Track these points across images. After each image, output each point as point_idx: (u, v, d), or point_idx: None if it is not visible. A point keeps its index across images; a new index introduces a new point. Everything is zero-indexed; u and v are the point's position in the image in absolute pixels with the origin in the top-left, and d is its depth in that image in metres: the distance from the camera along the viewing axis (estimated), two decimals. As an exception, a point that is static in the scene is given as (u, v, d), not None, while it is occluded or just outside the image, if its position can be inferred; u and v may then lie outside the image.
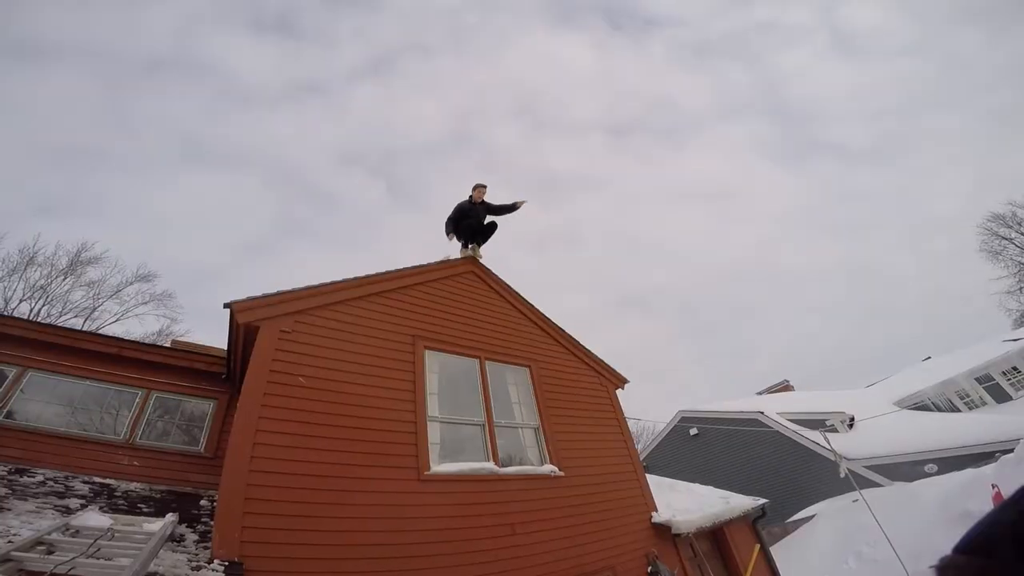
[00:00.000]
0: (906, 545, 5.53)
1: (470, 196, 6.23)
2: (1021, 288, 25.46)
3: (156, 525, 2.75)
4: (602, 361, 7.17)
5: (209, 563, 2.97)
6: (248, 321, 4.17)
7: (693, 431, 17.02)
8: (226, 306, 4.15)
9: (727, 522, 7.04)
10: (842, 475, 8.30)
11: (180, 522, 3.54)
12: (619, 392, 7.26)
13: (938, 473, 9.75)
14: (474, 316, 6.07)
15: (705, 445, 16.52)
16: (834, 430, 14.89)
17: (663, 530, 6.17)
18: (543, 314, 6.95)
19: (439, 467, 4.62)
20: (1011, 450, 6.86)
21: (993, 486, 5.83)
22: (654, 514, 6.32)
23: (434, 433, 4.85)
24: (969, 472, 7.43)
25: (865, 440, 13.73)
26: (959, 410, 16.46)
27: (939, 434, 13.24)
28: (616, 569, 5.40)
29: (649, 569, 5.59)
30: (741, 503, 7.55)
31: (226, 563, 3.03)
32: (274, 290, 4.44)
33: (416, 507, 4.30)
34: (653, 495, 6.60)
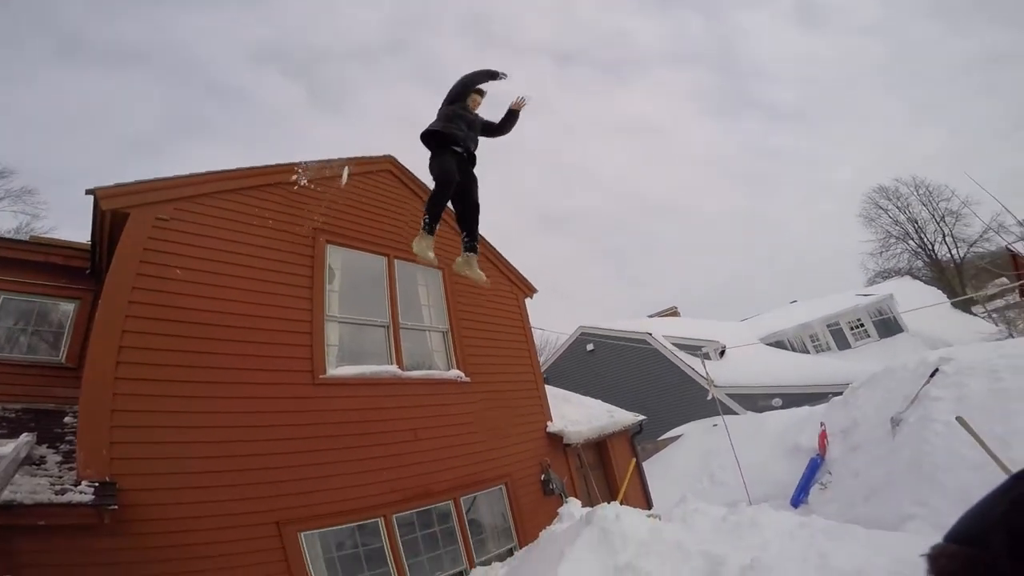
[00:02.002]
0: (750, 471, 6.74)
1: (464, 103, 3.90)
2: (881, 252, 30.24)
3: (7, 448, 2.45)
4: (514, 269, 7.20)
5: (76, 485, 2.73)
6: (115, 208, 3.55)
7: (590, 347, 18.32)
8: (89, 192, 3.49)
9: (610, 435, 7.81)
10: (709, 398, 9.73)
11: (40, 442, 3.16)
12: (528, 303, 7.46)
13: (782, 407, 11.64)
14: (386, 213, 5.69)
15: (599, 361, 17.94)
16: (708, 357, 16.25)
17: (556, 440, 6.69)
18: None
19: (337, 370, 4.49)
20: (840, 393, 8.16)
21: (821, 424, 7.07)
22: (549, 424, 6.73)
23: (333, 334, 4.65)
24: (805, 410, 8.93)
25: (731, 369, 15.53)
26: (808, 352, 19.18)
27: (790, 371, 15.63)
28: (513, 476, 5.92)
29: (543, 477, 6.24)
30: (624, 418, 8.35)
31: (95, 484, 2.79)
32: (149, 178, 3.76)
33: (312, 413, 4.22)
34: (551, 406, 6.99)
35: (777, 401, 13.46)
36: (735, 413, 12.58)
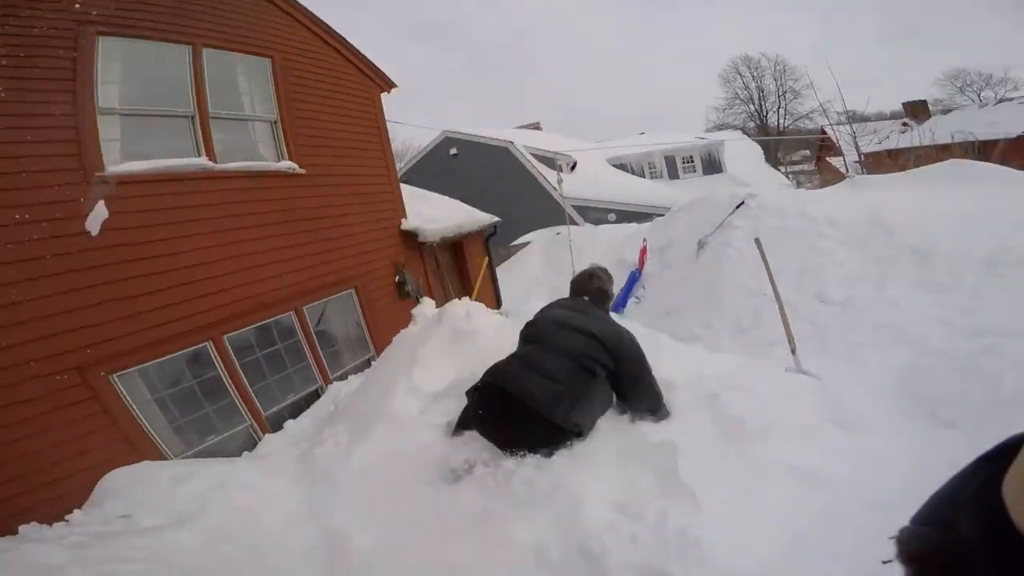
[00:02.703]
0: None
1: None
2: (726, 108, 36.91)
3: None
4: (369, 61, 6.17)
5: None
6: None
7: (453, 151, 18.04)
8: None
9: (467, 235, 7.85)
10: (559, 196, 10.47)
11: None
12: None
13: (615, 223, 13.13)
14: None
15: (462, 166, 17.84)
16: (560, 169, 18.00)
17: (411, 239, 6.45)
18: (304, 7, 5.31)
19: (121, 167, 3.64)
20: (662, 215, 9.32)
21: (643, 241, 7.91)
22: (403, 221, 6.42)
23: (112, 128, 3.73)
24: (633, 226, 10.08)
25: (578, 183, 16.71)
26: (645, 177, 21.62)
27: (627, 191, 17.58)
28: (364, 279, 5.66)
29: (397, 279, 6.21)
30: (481, 218, 8.46)
31: None
32: None
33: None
34: (406, 204, 6.67)
35: (612, 216, 15.23)
36: (576, 224, 13.92)
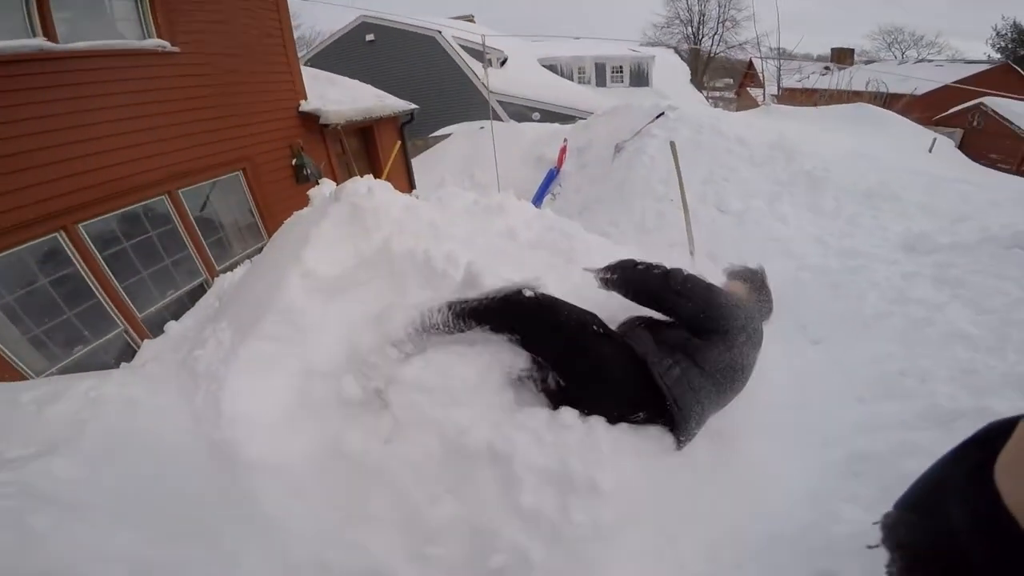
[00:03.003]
0: (502, 174, 7.50)
1: None
2: (665, 26, 36.49)
3: None
4: None
5: None
6: None
7: (369, 37, 16.45)
8: None
9: (378, 120, 7.30)
10: (486, 90, 10.20)
11: None
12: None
13: (539, 121, 12.79)
14: None
15: (379, 53, 16.37)
16: (490, 64, 16.99)
17: (311, 121, 5.91)
18: None
19: None
20: (586, 118, 9.44)
21: (564, 140, 8.05)
22: (303, 102, 5.86)
23: None
24: (556, 126, 9.96)
25: (507, 79, 16.27)
26: (574, 80, 21.16)
27: (554, 92, 16.99)
28: (254, 161, 5.12)
29: (294, 162, 5.59)
30: (394, 104, 7.84)
31: None
32: None
33: None
34: (309, 87, 6.10)
35: (536, 115, 14.92)
36: (500, 120, 13.36)
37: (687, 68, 27.73)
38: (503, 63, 17.67)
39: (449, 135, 11.64)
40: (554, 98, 16.38)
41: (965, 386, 2.17)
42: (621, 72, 22.47)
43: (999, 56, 26.85)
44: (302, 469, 1.94)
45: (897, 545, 0.58)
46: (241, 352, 2.27)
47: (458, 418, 1.86)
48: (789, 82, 17.23)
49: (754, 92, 22.90)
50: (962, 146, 13.71)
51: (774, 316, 2.43)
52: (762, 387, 2.14)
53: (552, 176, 7.54)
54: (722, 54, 34.29)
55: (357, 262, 2.46)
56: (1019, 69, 20.65)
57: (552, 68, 20.66)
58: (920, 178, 5.16)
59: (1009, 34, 29.37)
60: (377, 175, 7.31)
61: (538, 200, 6.93)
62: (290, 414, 2.11)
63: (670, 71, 24.03)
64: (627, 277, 2.02)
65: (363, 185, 2.68)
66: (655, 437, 1.81)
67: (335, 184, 4.55)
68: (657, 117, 6.58)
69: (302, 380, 2.18)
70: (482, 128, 8.93)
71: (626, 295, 2.01)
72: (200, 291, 4.37)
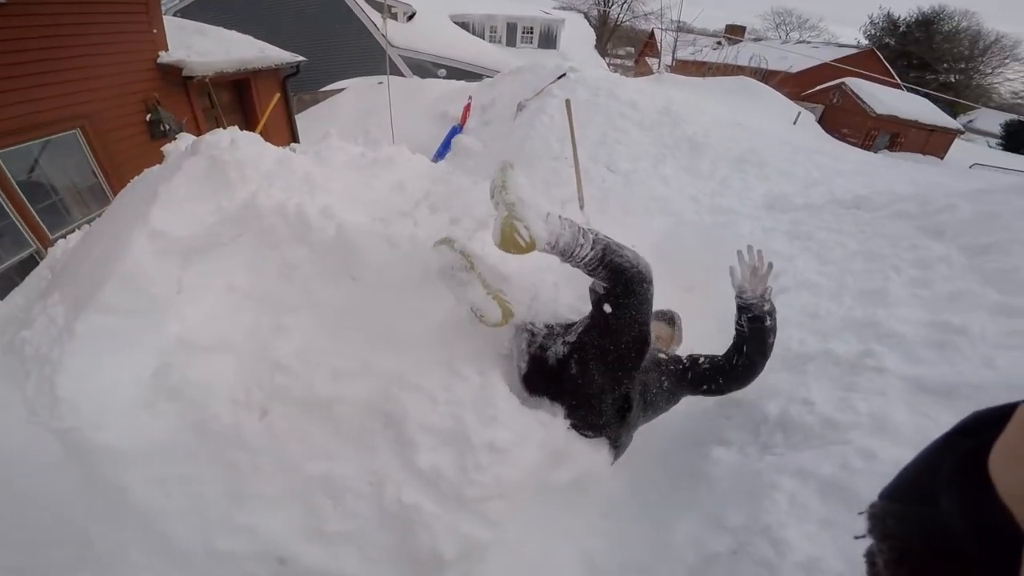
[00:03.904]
0: (402, 131, 7.18)
1: None
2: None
3: None
4: None
5: None
6: None
7: None
8: None
9: (255, 72, 6.61)
10: (386, 43, 9.71)
11: None
12: None
13: (445, 78, 12.33)
14: None
15: (268, 4, 14.52)
16: (395, 18, 16.14)
17: (173, 73, 5.23)
18: None
19: None
20: (492, 76, 9.44)
21: (469, 98, 7.86)
22: (162, 53, 5.18)
23: None
24: (461, 84, 9.67)
25: (413, 34, 15.52)
26: (484, 39, 20.66)
27: (463, 49, 16.39)
28: (96, 118, 4.41)
29: (148, 116, 4.88)
30: (278, 55, 7.13)
31: None
32: None
33: None
34: (174, 37, 5.43)
35: (442, 72, 14.41)
36: (402, 75, 12.71)
37: (594, 34, 28.25)
38: (410, 18, 16.82)
39: (342, 89, 10.79)
40: (462, 55, 15.86)
41: (813, 331, 2.41)
42: (531, 33, 22.54)
43: (867, 42, 30.47)
44: (172, 453, 1.75)
45: (885, 536, 0.56)
46: (78, 328, 1.95)
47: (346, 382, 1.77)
48: (683, 54, 18.27)
49: (651, 61, 24.01)
50: (821, 120, 15.56)
51: (657, 267, 2.62)
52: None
53: (455, 132, 7.39)
54: (628, 23, 35.49)
55: (218, 219, 2.20)
56: (880, 55, 23.62)
57: (464, 25, 20.06)
58: (784, 147, 5.76)
59: (881, 23, 33.57)
60: (251, 130, 6.70)
61: (439, 156, 6.80)
62: (149, 394, 1.88)
63: (578, 35, 24.45)
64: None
65: (225, 137, 2.37)
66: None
67: (194, 137, 4.05)
68: (559, 78, 6.68)
69: (160, 355, 1.95)
70: (381, 83, 8.43)
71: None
72: (32, 263, 3.77)
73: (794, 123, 9.67)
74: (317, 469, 1.66)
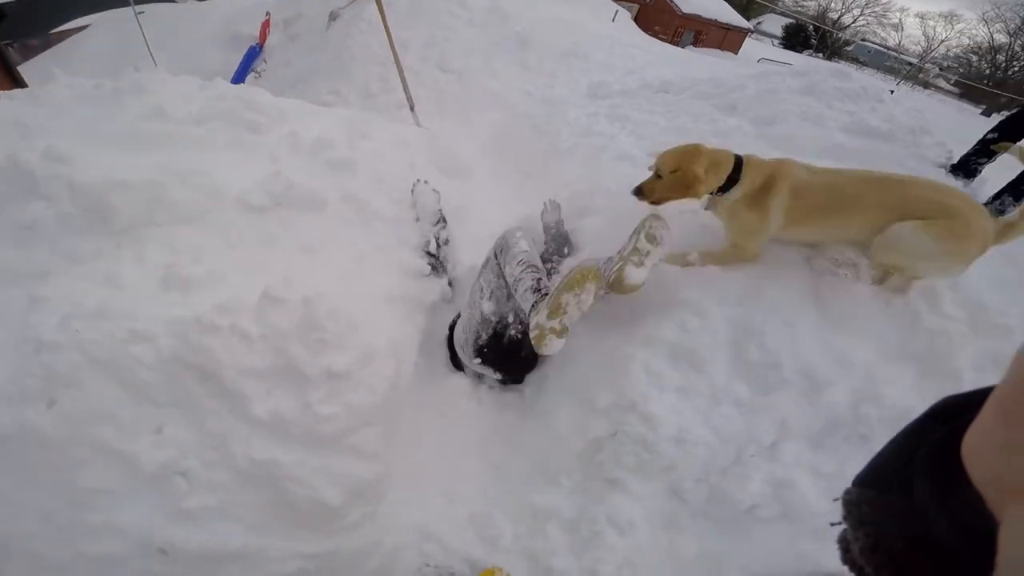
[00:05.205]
0: (182, 62, 5.91)
1: None
2: None
3: None
4: None
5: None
6: None
7: None
8: None
9: None
10: None
11: None
12: None
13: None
14: None
15: None
16: None
17: None
18: None
19: None
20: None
21: (267, 14, 6.69)
22: None
23: None
24: (252, 0, 8.15)
25: None
26: None
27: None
28: None
29: None
30: None
31: None
32: None
33: None
34: None
35: None
36: (170, 1, 10.22)
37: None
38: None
39: (83, 27, 8.28)
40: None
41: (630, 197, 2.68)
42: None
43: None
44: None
45: (860, 523, 0.54)
46: None
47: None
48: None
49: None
50: (637, 19, 16.64)
51: (497, 158, 2.59)
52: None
53: (255, 53, 6.35)
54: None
55: None
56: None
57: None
58: (604, 41, 5.98)
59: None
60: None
61: (239, 79, 5.93)
62: None
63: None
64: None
65: None
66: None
67: None
68: (373, -21, 5.94)
69: None
70: (142, 12, 6.68)
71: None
72: None
73: (612, 20, 10.11)
74: (145, 446, 1.40)
